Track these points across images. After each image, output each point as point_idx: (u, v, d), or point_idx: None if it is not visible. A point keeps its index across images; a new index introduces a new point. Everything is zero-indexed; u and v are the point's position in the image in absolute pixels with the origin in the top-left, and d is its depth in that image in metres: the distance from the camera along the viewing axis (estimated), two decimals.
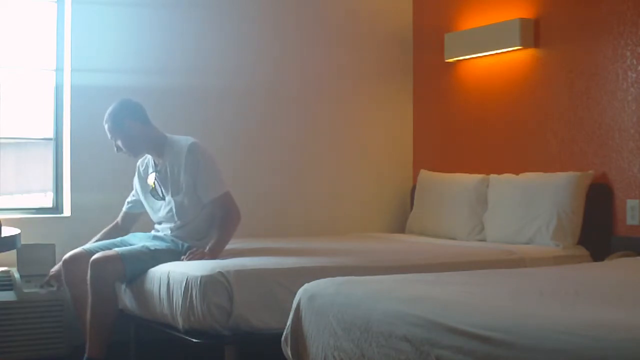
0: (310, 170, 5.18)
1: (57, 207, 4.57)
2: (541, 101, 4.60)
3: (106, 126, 3.87)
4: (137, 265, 3.67)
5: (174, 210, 3.87)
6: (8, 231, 3.41)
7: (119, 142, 3.86)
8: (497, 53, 4.83)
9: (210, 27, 4.90)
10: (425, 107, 5.43)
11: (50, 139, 4.59)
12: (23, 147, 4.84)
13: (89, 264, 3.64)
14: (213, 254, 3.68)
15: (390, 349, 2.34)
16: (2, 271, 4.13)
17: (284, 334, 2.86)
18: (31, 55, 4.62)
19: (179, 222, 3.88)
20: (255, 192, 4.95)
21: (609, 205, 4.20)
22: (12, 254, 4.07)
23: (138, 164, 4.07)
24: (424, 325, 2.24)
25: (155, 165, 3.96)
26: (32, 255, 4.16)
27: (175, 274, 3.48)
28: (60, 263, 3.90)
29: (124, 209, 4.14)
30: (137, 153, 3.96)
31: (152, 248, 3.76)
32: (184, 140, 3.91)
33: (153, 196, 3.98)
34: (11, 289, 4.06)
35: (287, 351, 2.84)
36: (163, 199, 3.93)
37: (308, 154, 5.18)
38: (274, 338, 2.98)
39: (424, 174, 5.20)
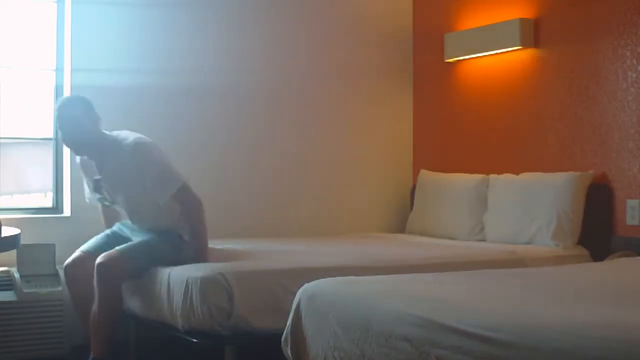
0: (310, 171, 5.17)
1: (57, 207, 4.57)
2: (541, 101, 4.60)
3: (57, 118, 3.71)
4: (140, 263, 3.65)
5: (130, 215, 3.82)
6: (8, 231, 3.42)
7: (68, 137, 3.69)
8: (497, 53, 4.83)
9: (209, 26, 4.90)
10: (425, 107, 5.43)
11: (50, 139, 4.59)
12: (23, 147, 4.84)
13: (91, 265, 3.62)
14: (202, 256, 3.63)
15: (390, 349, 2.34)
16: (2, 271, 4.13)
17: (284, 334, 2.85)
18: (31, 55, 4.62)
19: (141, 225, 3.83)
20: (255, 192, 4.96)
21: (609, 205, 4.20)
22: (12, 254, 4.07)
23: (80, 167, 3.95)
24: (424, 325, 2.24)
25: (99, 169, 3.79)
26: (32, 255, 4.16)
27: (175, 275, 3.48)
28: None
29: (100, 208, 4.06)
30: (82, 152, 3.80)
31: (152, 242, 3.72)
32: (125, 138, 3.73)
33: (101, 203, 3.93)
34: (11, 289, 4.06)
35: (287, 351, 2.83)
36: (113, 204, 3.86)
37: (308, 154, 5.18)
38: (274, 338, 2.98)
39: (424, 174, 5.20)
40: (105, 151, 3.73)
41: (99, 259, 3.61)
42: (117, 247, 3.70)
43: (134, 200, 3.76)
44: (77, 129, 3.66)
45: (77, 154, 3.87)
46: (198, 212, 3.71)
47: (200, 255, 3.64)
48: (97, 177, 3.80)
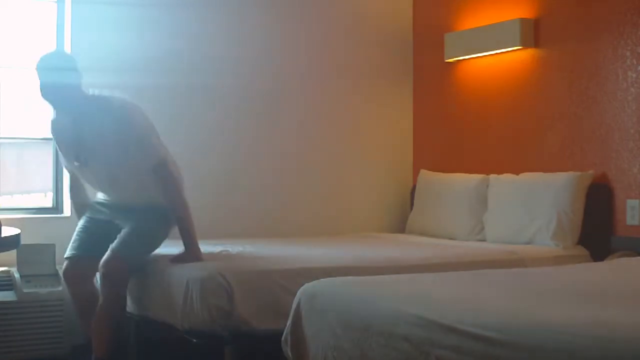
0: (310, 171, 5.18)
1: (57, 207, 4.57)
2: (541, 101, 4.60)
3: (39, 69, 3.52)
4: (140, 256, 3.62)
5: (109, 184, 3.66)
6: (8, 231, 3.41)
7: (50, 89, 3.50)
8: (497, 53, 4.83)
9: (210, 26, 4.90)
10: (425, 107, 5.43)
11: (50, 139, 4.58)
12: (23, 147, 4.85)
13: (86, 267, 3.61)
14: (193, 249, 3.53)
15: (390, 349, 2.34)
16: (2, 271, 4.13)
17: (284, 334, 2.85)
18: (31, 55, 4.61)
19: (119, 197, 3.68)
20: (255, 192, 4.96)
21: (609, 205, 4.20)
22: (12, 254, 4.07)
23: (51, 131, 3.79)
24: (424, 325, 2.24)
25: (78, 128, 3.59)
26: (32, 255, 4.16)
27: (175, 275, 3.47)
28: None
29: (71, 176, 3.89)
30: (62, 106, 3.62)
31: (142, 229, 3.62)
32: (111, 98, 3.60)
33: (71, 171, 3.72)
34: (11, 289, 4.06)
35: (287, 351, 2.83)
36: (87, 167, 3.65)
37: (308, 154, 5.18)
38: (274, 339, 2.98)
39: (424, 174, 5.20)
40: (87, 109, 3.57)
41: (102, 269, 3.52)
42: (113, 248, 3.58)
43: (113, 165, 3.59)
44: (60, 80, 3.51)
45: (57, 108, 3.67)
46: (177, 190, 3.60)
47: (191, 248, 3.53)
48: (75, 136, 3.58)
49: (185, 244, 3.59)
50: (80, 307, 3.75)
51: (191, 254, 3.56)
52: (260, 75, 5.04)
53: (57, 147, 3.85)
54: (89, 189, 3.96)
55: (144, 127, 3.61)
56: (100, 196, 3.87)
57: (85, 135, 3.59)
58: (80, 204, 3.94)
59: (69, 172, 3.94)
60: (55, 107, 3.72)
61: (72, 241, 3.79)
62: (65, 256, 3.76)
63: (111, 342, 3.57)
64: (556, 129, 4.50)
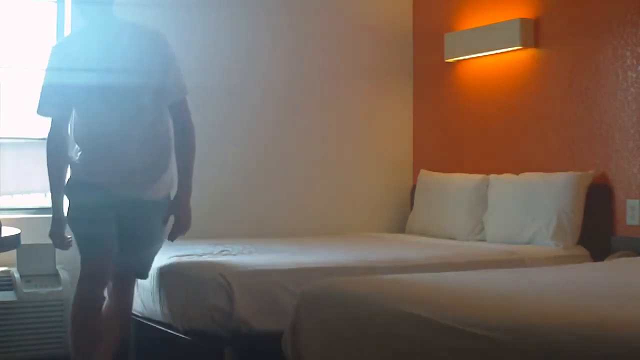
0: (310, 171, 5.17)
1: None
2: (541, 101, 4.60)
3: None
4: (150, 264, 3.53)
5: (123, 124, 3.25)
6: (8, 231, 3.41)
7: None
8: (497, 53, 4.83)
9: (211, 27, 4.89)
10: (425, 107, 5.43)
11: None
12: (23, 147, 4.84)
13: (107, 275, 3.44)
14: (187, 202, 3.34)
15: (390, 349, 2.34)
16: (2, 271, 4.13)
17: (284, 334, 2.86)
18: (31, 55, 4.61)
19: (127, 149, 3.29)
20: (255, 192, 4.95)
21: (609, 205, 4.20)
22: (12, 254, 4.07)
23: (58, 54, 3.42)
24: (424, 325, 2.24)
25: (106, 49, 3.24)
26: (32, 255, 4.16)
27: (174, 275, 3.47)
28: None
29: (56, 127, 3.37)
30: (98, 22, 3.29)
31: (153, 233, 3.44)
32: (151, 28, 3.37)
33: (101, 103, 3.23)
34: (11, 289, 4.06)
35: (287, 351, 2.84)
36: (109, 89, 3.24)
37: (307, 154, 5.17)
38: (274, 339, 2.98)
39: (424, 174, 5.20)
40: (123, 30, 3.29)
41: (115, 288, 3.39)
42: (129, 267, 3.40)
43: (140, 93, 3.27)
44: None
45: (91, 23, 3.32)
46: (193, 130, 3.42)
47: (186, 199, 3.35)
48: (102, 58, 3.23)
49: (180, 193, 3.37)
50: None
51: (183, 204, 3.37)
52: (260, 76, 5.03)
53: (56, 81, 3.37)
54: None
55: (178, 60, 3.41)
56: (92, 173, 3.45)
57: (117, 58, 3.26)
58: (58, 165, 3.52)
59: (56, 119, 3.41)
60: (89, 22, 3.36)
61: (83, 240, 3.43)
62: (84, 259, 3.36)
63: (118, 341, 3.54)
64: (556, 129, 4.50)
